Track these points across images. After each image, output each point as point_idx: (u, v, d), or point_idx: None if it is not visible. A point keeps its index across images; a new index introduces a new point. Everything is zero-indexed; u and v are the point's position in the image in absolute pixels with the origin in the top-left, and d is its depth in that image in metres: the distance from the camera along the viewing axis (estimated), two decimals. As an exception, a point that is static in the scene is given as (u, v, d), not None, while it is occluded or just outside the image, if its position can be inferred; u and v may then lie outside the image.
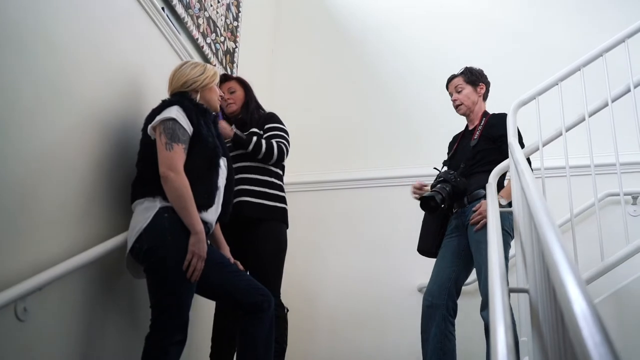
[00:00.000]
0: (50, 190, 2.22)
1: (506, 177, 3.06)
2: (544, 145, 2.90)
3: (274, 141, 3.12)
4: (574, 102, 2.98)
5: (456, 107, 3.28)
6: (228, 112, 3.25)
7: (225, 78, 3.29)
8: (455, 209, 3.11)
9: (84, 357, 2.35)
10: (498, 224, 2.26)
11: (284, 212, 3.13)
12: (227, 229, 2.91)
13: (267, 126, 3.19)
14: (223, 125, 3.01)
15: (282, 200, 3.15)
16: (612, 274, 2.75)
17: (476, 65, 3.35)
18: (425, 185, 3.16)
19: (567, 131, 2.90)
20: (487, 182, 2.93)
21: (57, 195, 2.26)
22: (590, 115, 2.89)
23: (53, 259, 2.18)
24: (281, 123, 3.26)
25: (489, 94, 3.34)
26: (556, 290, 1.10)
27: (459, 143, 3.28)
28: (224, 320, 3.02)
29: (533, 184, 1.87)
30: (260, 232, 3.03)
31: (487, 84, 3.30)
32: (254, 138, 3.07)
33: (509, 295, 1.81)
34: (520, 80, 4.13)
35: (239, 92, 3.27)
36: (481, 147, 3.11)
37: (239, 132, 3.08)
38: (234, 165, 2.95)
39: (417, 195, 3.14)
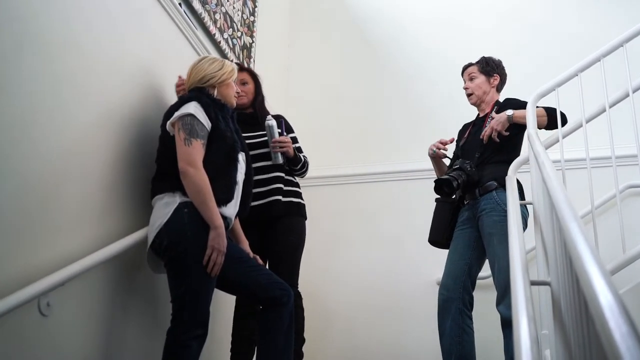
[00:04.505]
0: (71, 187, 2.24)
1: (514, 170, 3.01)
2: (564, 137, 2.88)
3: (306, 160, 3.23)
4: (594, 93, 2.95)
5: (467, 95, 3.28)
6: (237, 103, 3.11)
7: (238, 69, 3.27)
8: (467, 200, 3.10)
9: (106, 350, 2.37)
10: (518, 216, 2.25)
11: (304, 207, 3.20)
12: (249, 223, 2.95)
13: (290, 136, 3.20)
14: (289, 145, 3.05)
15: (302, 196, 3.22)
16: (633, 267, 2.73)
17: (494, 55, 3.32)
18: (447, 144, 3.19)
19: (587, 122, 2.87)
20: (499, 173, 2.92)
21: (78, 192, 2.28)
22: (610, 106, 2.87)
23: (75, 255, 2.20)
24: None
25: (507, 85, 3.31)
26: (580, 282, 1.09)
27: (469, 132, 3.26)
28: (244, 314, 3.02)
29: (554, 175, 1.86)
30: (284, 226, 3.08)
31: (503, 76, 3.28)
32: (302, 158, 3.18)
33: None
34: (539, 71, 4.10)
35: (251, 86, 3.23)
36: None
37: (297, 154, 3.13)
38: (257, 164, 3.02)
39: (434, 150, 3.20)
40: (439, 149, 3.20)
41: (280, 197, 3.07)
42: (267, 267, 2.92)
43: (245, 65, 4.00)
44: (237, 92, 2.83)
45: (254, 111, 3.21)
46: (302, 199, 3.20)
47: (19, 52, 2.03)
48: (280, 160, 3.06)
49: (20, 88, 2.02)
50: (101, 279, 2.38)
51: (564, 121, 2.94)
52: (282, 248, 3.05)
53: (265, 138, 3.07)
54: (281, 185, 3.09)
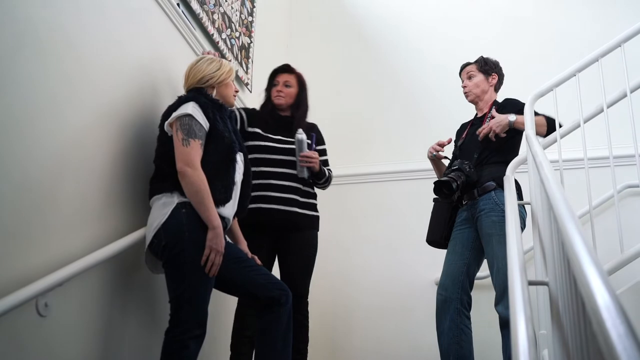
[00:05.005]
0: (69, 187, 2.24)
1: (512, 170, 3.02)
2: (562, 137, 2.88)
3: (330, 174, 3.28)
4: (592, 93, 2.96)
5: (465, 94, 3.29)
6: (275, 103, 3.23)
7: (285, 69, 3.31)
8: (465, 201, 3.10)
9: (104, 351, 2.37)
10: (517, 216, 2.25)
11: (318, 219, 3.24)
12: (261, 226, 3.02)
13: (319, 148, 3.22)
14: (315, 161, 3.08)
15: (317, 208, 3.24)
16: (631, 266, 2.73)
17: (491, 56, 3.33)
18: (444, 145, 3.22)
19: (585, 122, 2.87)
20: (498, 174, 2.92)
21: (76, 193, 2.28)
22: (608, 107, 2.87)
23: (73, 255, 2.20)
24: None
25: (505, 86, 3.32)
26: (577, 282, 1.09)
27: (467, 132, 3.27)
28: (245, 314, 3.03)
29: (552, 175, 1.86)
30: (302, 239, 3.13)
31: (501, 76, 3.29)
32: (327, 172, 3.23)
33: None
34: (537, 71, 4.10)
35: (293, 89, 3.25)
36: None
37: (322, 168, 3.17)
38: (279, 170, 3.08)
39: (433, 153, 3.22)
40: (437, 151, 3.21)
41: (297, 209, 3.09)
42: (271, 272, 2.93)
43: (244, 67, 4.02)
44: (236, 92, 2.83)
45: (291, 117, 3.23)
46: (317, 211, 3.23)
47: (17, 54, 2.02)
48: (306, 174, 3.10)
49: (17, 90, 2.01)
50: (99, 280, 2.38)
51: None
52: (299, 261, 3.11)
53: (293, 146, 3.09)
54: (297, 197, 3.11)
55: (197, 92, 2.62)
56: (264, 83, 3.38)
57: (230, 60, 3.74)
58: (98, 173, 2.43)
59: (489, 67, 3.26)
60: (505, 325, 2.78)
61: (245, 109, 3.24)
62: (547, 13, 4.60)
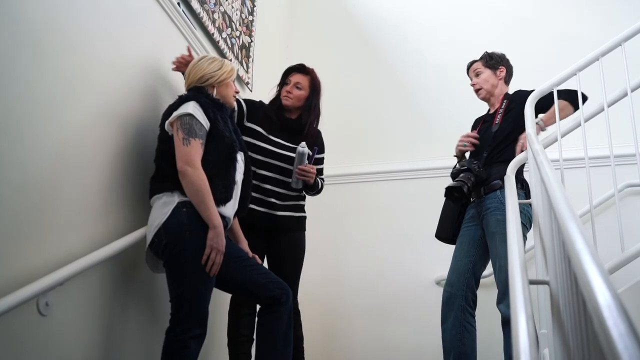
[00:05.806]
0: (70, 186, 2.24)
1: (525, 169, 3.03)
2: (562, 136, 2.88)
3: (322, 184, 3.23)
4: (593, 92, 2.95)
5: (476, 91, 3.28)
6: (282, 103, 3.19)
7: (299, 70, 3.24)
8: (473, 199, 3.10)
9: (105, 350, 2.37)
10: (517, 215, 2.25)
11: (305, 219, 3.24)
12: (255, 227, 3.02)
13: (318, 156, 3.19)
14: (311, 176, 3.05)
15: (304, 209, 3.24)
16: (632, 265, 2.73)
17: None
18: (476, 140, 3.18)
19: (586, 122, 2.87)
20: (505, 172, 2.91)
21: (77, 192, 2.28)
22: (609, 106, 2.86)
23: (74, 254, 2.20)
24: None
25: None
26: (578, 281, 1.09)
27: (480, 128, 3.26)
28: (241, 314, 3.02)
29: (552, 174, 1.86)
30: (291, 241, 3.13)
31: (509, 67, 3.29)
32: (320, 184, 3.20)
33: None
34: (537, 70, 4.10)
35: (304, 92, 3.18)
36: (503, 133, 3.09)
37: (317, 179, 3.13)
38: (273, 176, 3.08)
39: (464, 143, 3.18)
40: (472, 142, 3.19)
41: (288, 213, 3.10)
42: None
43: (245, 67, 4.02)
44: (236, 92, 2.82)
45: (298, 119, 3.19)
46: (305, 211, 3.23)
47: (16, 54, 2.02)
48: (300, 186, 3.09)
49: (16, 90, 2.01)
50: (100, 279, 2.39)
51: (585, 100, 2.91)
52: (289, 262, 3.11)
53: (292, 153, 3.08)
54: (289, 202, 3.12)
55: (198, 91, 2.62)
56: (264, 82, 3.37)
57: (230, 60, 3.74)
58: (98, 173, 2.43)
59: (495, 61, 3.25)
60: (506, 323, 2.78)
61: (247, 101, 3.17)
62: (548, 13, 4.60)
